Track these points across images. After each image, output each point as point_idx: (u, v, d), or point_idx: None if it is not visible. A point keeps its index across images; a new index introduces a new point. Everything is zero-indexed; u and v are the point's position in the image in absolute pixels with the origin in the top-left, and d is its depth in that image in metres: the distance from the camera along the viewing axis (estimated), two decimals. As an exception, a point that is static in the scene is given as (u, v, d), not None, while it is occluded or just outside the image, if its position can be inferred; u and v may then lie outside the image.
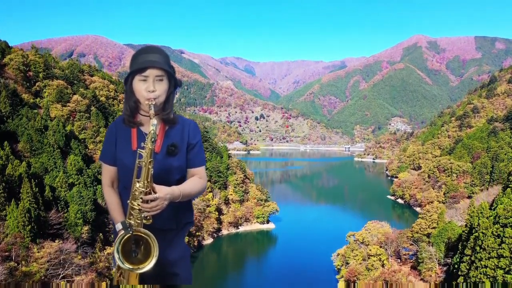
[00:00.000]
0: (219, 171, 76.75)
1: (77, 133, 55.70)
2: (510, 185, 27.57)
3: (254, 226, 75.81)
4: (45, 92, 57.72)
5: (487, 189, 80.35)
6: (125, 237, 2.32)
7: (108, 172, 2.74)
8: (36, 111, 48.75)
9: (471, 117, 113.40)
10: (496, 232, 21.19)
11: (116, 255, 2.30)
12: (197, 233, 62.77)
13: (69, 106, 57.83)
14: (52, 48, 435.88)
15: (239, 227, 74.57)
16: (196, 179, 2.71)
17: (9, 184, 34.64)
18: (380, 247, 40.08)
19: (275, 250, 67.32)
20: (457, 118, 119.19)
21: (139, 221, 2.36)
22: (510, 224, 20.13)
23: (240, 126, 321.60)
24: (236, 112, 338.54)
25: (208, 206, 67.51)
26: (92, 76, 73.04)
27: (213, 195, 71.86)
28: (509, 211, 20.35)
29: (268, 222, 77.25)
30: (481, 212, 26.31)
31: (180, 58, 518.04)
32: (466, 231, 29.02)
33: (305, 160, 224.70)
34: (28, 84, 57.24)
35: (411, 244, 40.86)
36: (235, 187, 78.02)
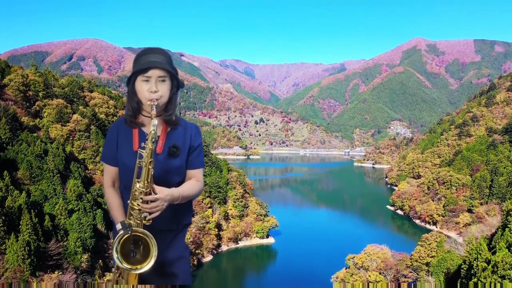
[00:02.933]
0: (218, 186, 76.83)
1: (76, 154, 55.73)
2: (509, 225, 27.64)
3: (254, 241, 75.79)
4: (44, 112, 57.79)
5: (486, 202, 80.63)
6: (124, 237, 2.33)
7: (109, 172, 2.75)
8: (35, 134, 48.80)
9: (471, 125, 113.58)
10: (495, 283, 21.36)
11: (115, 255, 2.31)
12: (196, 251, 62.72)
13: (68, 126, 57.88)
14: (51, 51, 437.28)
15: (239, 242, 74.55)
16: (194, 181, 2.75)
17: (9, 216, 34.68)
18: (380, 273, 40.27)
19: (274, 265, 67.29)
20: (457, 126, 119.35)
21: (138, 222, 2.37)
22: (509, 276, 20.25)
23: (240, 130, 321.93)
24: (235, 116, 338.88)
25: (207, 222, 67.48)
26: (91, 92, 73.25)
27: (212, 211, 71.83)
28: (507, 263, 20.47)
29: (267, 236, 77.24)
30: (479, 254, 26.39)
31: (180, 61, 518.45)
32: (465, 268, 29.11)
33: (305, 166, 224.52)
34: (27, 104, 57.31)
35: (410, 272, 41.03)
36: (234, 202, 78.01)
